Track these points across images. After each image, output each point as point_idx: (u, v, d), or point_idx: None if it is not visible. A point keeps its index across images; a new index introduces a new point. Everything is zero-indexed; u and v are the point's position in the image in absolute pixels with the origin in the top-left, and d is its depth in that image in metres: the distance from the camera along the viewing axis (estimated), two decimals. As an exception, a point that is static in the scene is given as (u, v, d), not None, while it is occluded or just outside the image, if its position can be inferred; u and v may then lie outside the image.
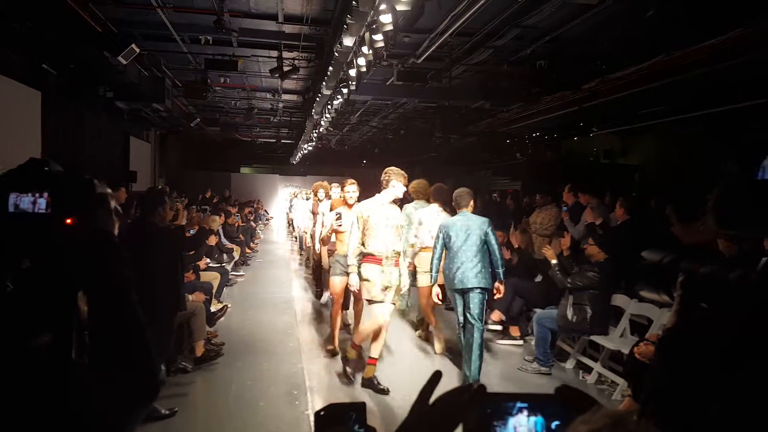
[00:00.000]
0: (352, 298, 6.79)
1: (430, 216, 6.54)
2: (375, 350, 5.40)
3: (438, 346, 6.60)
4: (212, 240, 8.87)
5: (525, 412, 0.85)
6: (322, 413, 1.01)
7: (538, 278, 7.24)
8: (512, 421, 0.85)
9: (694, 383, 1.16)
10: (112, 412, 1.05)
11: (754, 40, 6.13)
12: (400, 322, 7.95)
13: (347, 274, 5.65)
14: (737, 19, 6.05)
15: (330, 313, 6.86)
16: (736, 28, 6.13)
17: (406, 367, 6.08)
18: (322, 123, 13.06)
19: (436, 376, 0.94)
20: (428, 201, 6.90)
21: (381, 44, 6.38)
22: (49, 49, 8.40)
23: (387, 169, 5.62)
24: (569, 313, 5.75)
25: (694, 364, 1.20)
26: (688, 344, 1.25)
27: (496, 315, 7.13)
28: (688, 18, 6.39)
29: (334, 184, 8.23)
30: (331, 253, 6.99)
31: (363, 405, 1.03)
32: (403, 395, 5.12)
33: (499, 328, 7.25)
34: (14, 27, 7.21)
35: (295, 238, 16.14)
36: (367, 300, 5.53)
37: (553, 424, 0.84)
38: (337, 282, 6.43)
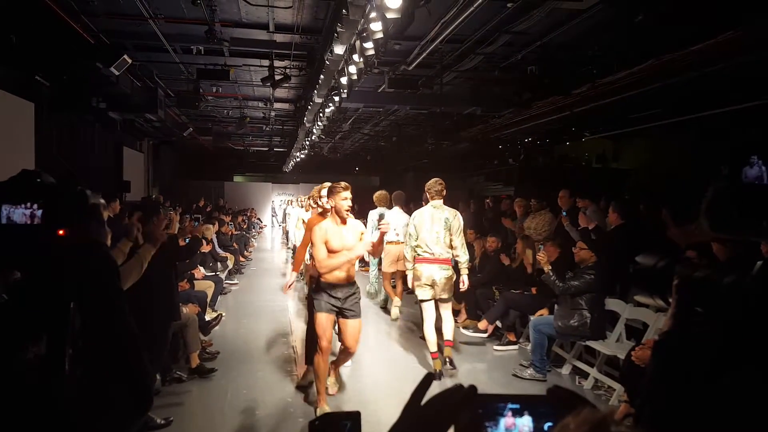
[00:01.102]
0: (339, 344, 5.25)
1: (393, 217, 8.08)
2: (448, 333, 6.05)
3: (394, 312, 7.76)
4: (205, 247, 8.84)
5: (516, 413, 0.85)
6: (316, 422, 1.00)
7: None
8: (503, 422, 0.84)
9: (690, 387, 1.16)
10: (107, 423, 1.04)
11: (745, 43, 6.18)
12: (389, 326, 7.95)
13: (336, 311, 4.83)
14: (727, 21, 6.09)
15: (314, 362, 4.97)
16: (726, 31, 6.17)
17: (399, 374, 6.07)
18: (314, 131, 13.06)
19: (428, 379, 0.94)
20: (389, 207, 8.52)
21: (372, 52, 6.39)
22: (41, 61, 8.38)
23: (439, 180, 6.12)
24: (570, 318, 5.74)
25: (690, 369, 1.20)
26: (684, 348, 1.25)
27: (483, 324, 7.14)
28: (677, 21, 6.43)
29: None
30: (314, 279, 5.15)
31: (358, 414, 1.03)
32: (398, 403, 5.10)
33: (484, 335, 7.24)
34: (10, 39, 7.20)
35: (291, 249, 15.67)
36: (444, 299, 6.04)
37: (545, 425, 0.84)
38: (324, 321, 4.79)
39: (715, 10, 6.18)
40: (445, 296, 6.00)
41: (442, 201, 6.07)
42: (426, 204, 6.32)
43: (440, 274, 5.89)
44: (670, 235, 5.45)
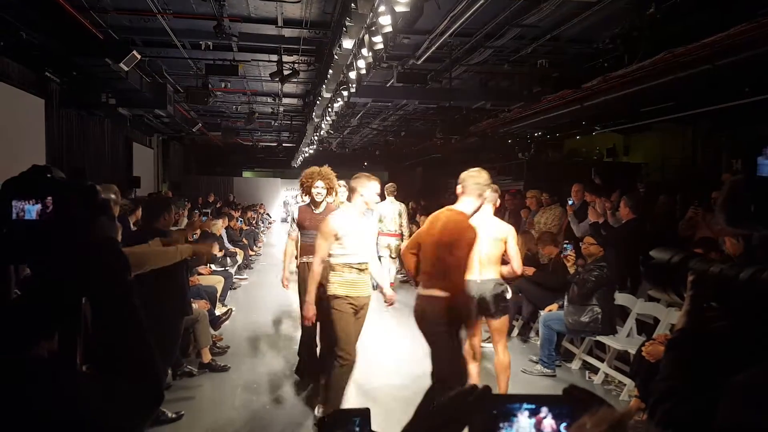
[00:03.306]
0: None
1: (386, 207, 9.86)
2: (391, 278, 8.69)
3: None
4: (215, 248, 8.85)
5: (532, 413, 0.84)
6: (326, 419, 1.00)
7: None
8: (518, 423, 0.83)
9: (707, 384, 1.14)
10: (118, 418, 1.04)
11: (757, 36, 6.10)
12: (395, 322, 7.95)
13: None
14: (740, 13, 6.02)
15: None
16: (739, 23, 6.10)
17: (407, 370, 6.06)
18: (323, 126, 13.05)
19: None
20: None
21: (380, 46, 6.37)
22: (51, 57, 8.42)
23: (393, 183, 9.98)
24: (581, 314, 5.71)
25: (707, 365, 1.18)
26: (700, 345, 1.23)
27: None
28: (689, 14, 6.36)
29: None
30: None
31: (367, 411, 1.02)
32: (407, 399, 5.11)
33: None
34: (20, 35, 7.23)
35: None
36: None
37: (561, 426, 0.83)
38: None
39: (727, 2, 6.11)
40: (394, 256, 9.52)
41: (394, 197, 9.79)
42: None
43: (394, 242, 9.59)
44: (716, 234, 5.23)
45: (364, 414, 1.02)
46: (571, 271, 6.04)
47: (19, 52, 7.75)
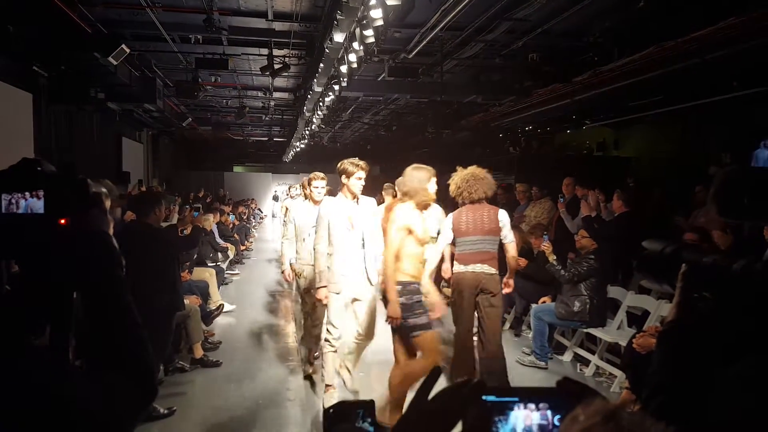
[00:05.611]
0: None
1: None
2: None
3: None
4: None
5: (526, 406, 0.84)
6: (331, 410, 1.01)
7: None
8: (513, 416, 0.84)
9: (700, 377, 1.15)
10: (111, 414, 1.04)
11: (747, 29, 6.13)
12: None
13: None
14: (729, 8, 6.05)
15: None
16: (728, 18, 6.12)
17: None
18: (314, 120, 13.02)
19: (436, 373, 0.93)
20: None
21: (372, 40, 6.34)
22: (39, 51, 8.34)
23: None
24: (571, 304, 5.74)
25: (699, 358, 1.19)
26: (693, 337, 1.23)
27: None
28: (679, 8, 6.38)
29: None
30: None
31: (372, 402, 1.03)
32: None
33: None
34: (7, 29, 7.15)
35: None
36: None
37: (555, 418, 0.83)
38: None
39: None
40: None
41: None
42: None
43: None
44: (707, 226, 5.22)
45: (368, 405, 1.03)
46: (550, 259, 6.04)
47: (7, 46, 7.65)
